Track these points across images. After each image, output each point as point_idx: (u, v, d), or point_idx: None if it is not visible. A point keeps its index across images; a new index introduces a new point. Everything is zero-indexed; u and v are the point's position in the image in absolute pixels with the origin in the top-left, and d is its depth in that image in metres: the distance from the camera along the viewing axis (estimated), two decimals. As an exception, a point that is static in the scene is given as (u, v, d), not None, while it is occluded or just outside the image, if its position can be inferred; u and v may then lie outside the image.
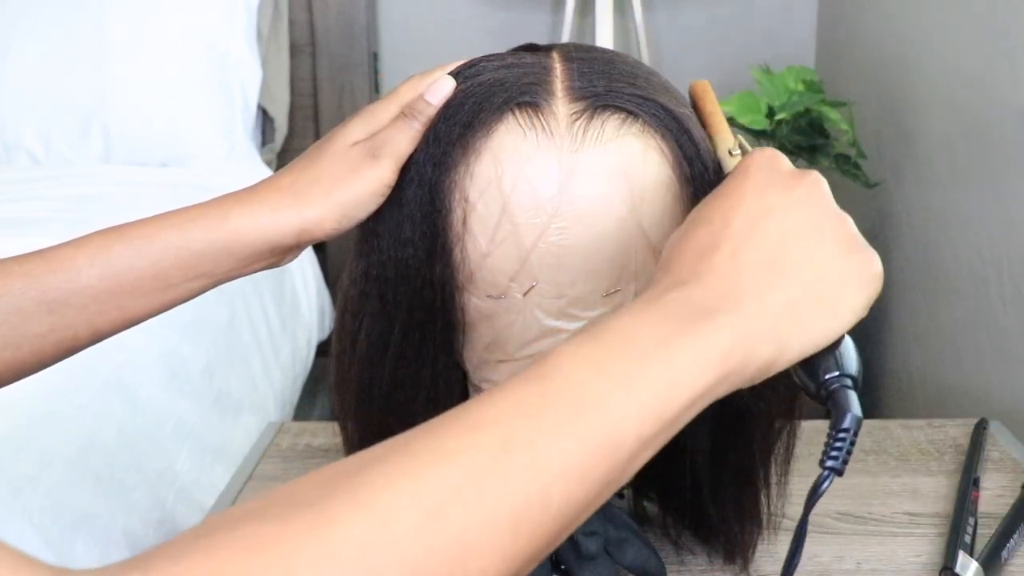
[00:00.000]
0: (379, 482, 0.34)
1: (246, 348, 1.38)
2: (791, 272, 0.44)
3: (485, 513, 0.35)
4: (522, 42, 0.62)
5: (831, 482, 0.43)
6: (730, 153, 0.56)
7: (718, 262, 0.44)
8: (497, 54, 0.60)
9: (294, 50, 1.96)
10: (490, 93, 0.55)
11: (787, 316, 0.43)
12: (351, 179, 0.55)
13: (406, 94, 0.59)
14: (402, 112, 0.57)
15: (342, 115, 1.98)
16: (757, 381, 0.43)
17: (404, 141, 0.56)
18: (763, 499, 0.66)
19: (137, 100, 1.74)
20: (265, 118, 1.94)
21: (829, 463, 0.43)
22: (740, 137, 0.56)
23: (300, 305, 1.67)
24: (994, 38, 1.20)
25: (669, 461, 0.67)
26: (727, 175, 0.51)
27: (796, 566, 0.46)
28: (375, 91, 2.01)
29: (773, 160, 0.48)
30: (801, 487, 0.67)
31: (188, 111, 1.76)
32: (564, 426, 0.37)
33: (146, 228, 0.55)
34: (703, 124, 0.58)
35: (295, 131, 1.96)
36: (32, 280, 0.52)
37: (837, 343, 0.45)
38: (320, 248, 1.91)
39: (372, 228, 0.58)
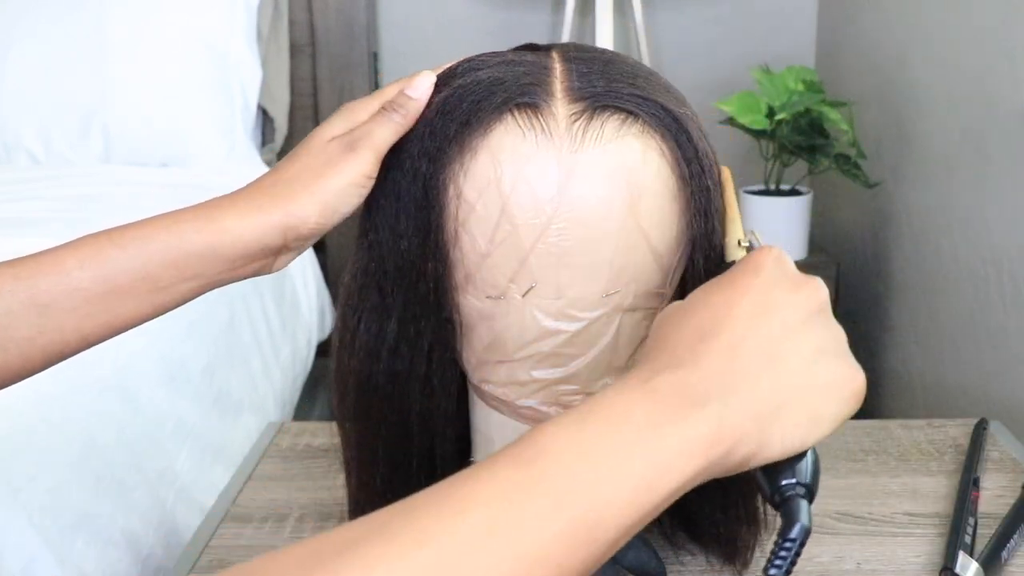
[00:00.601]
0: (357, 566, 0.34)
1: (246, 348, 1.38)
2: (785, 372, 0.44)
3: None
4: (522, 42, 0.62)
5: None
6: (739, 243, 0.56)
7: (716, 349, 0.44)
8: (497, 52, 0.60)
9: (294, 50, 1.96)
10: (489, 92, 0.55)
11: (774, 415, 0.43)
12: (329, 172, 0.56)
13: (389, 93, 0.59)
14: (383, 107, 0.58)
15: (342, 115, 1.98)
16: (732, 474, 0.43)
17: (383, 133, 0.57)
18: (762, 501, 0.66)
19: (137, 100, 1.74)
20: (265, 118, 1.94)
21: (772, 571, 0.44)
22: (754, 232, 0.57)
23: (300, 305, 1.67)
24: (994, 38, 1.20)
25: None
26: (731, 263, 0.51)
27: None
28: (375, 91, 2.00)
29: (781, 260, 0.49)
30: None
31: (188, 111, 1.76)
32: (547, 514, 0.37)
33: (136, 230, 0.55)
34: (722, 212, 0.59)
35: (295, 131, 1.96)
36: (21, 282, 0.52)
37: (803, 452, 0.45)
38: (320, 248, 1.91)
39: (371, 222, 0.58)
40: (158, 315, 0.56)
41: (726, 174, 0.60)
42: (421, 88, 0.58)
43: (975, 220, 1.26)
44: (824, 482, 0.82)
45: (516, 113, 0.55)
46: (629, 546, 0.65)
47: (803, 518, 0.44)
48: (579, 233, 0.55)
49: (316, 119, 1.99)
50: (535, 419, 0.61)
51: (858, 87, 1.72)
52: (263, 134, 1.95)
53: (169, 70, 1.76)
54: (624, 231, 0.55)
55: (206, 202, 0.56)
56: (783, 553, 0.44)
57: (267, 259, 0.57)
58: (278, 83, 1.91)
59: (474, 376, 0.62)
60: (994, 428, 0.91)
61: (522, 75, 0.56)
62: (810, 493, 0.45)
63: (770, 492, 0.46)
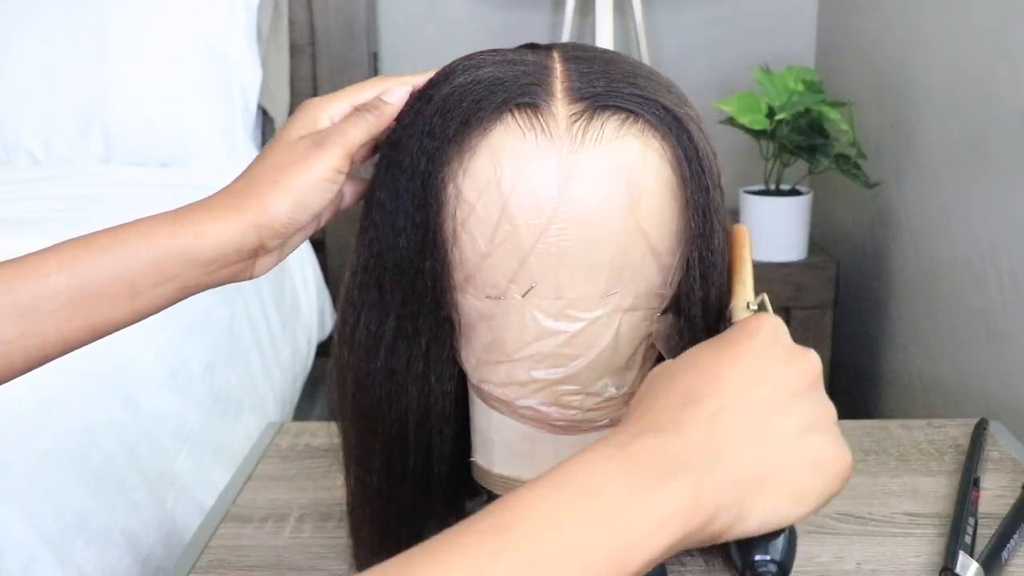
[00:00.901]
0: None
1: (246, 348, 1.38)
2: (771, 445, 0.43)
3: None
4: (522, 42, 0.62)
5: None
6: (747, 306, 0.56)
7: (700, 416, 0.43)
8: (498, 50, 0.60)
9: (294, 50, 1.96)
10: (489, 91, 0.55)
11: (755, 489, 0.42)
12: (299, 168, 0.56)
13: (362, 95, 0.59)
14: (356, 108, 0.58)
15: (342, 115, 1.98)
16: (707, 544, 0.43)
17: (354, 132, 0.57)
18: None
19: (137, 100, 1.74)
20: (265, 118, 1.94)
21: None
22: (766, 298, 0.56)
23: (300, 305, 1.67)
24: (994, 38, 1.20)
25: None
26: (731, 324, 0.51)
27: None
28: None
29: (778, 329, 0.48)
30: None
31: (188, 111, 1.76)
32: None
33: (112, 235, 0.55)
34: (730, 268, 0.59)
35: (295, 131, 1.96)
36: (2, 286, 0.52)
37: (781, 529, 0.44)
38: (320, 248, 1.91)
39: (371, 219, 0.58)
40: (138, 319, 0.57)
41: (744, 232, 0.60)
42: (396, 95, 0.58)
43: (975, 220, 1.26)
44: (824, 482, 0.82)
45: (516, 113, 0.55)
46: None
47: None
48: (579, 233, 0.55)
49: (316, 119, 1.99)
50: (534, 419, 0.61)
51: (858, 87, 1.72)
52: (263, 134, 1.95)
53: (169, 70, 1.76)
54: (624, 231, 0.55)
55: (182, 207, 0.56)
56: None
57: (244, 261, 0.57)
58: (278, 83, 1.91)
59: (474, 376, 0.62)
60: (994, 428, 0.91)
61: (522, 75, 0.56)
62: (782, 571, 0.45)
63: (742, 567, 0.45)
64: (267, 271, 0.60)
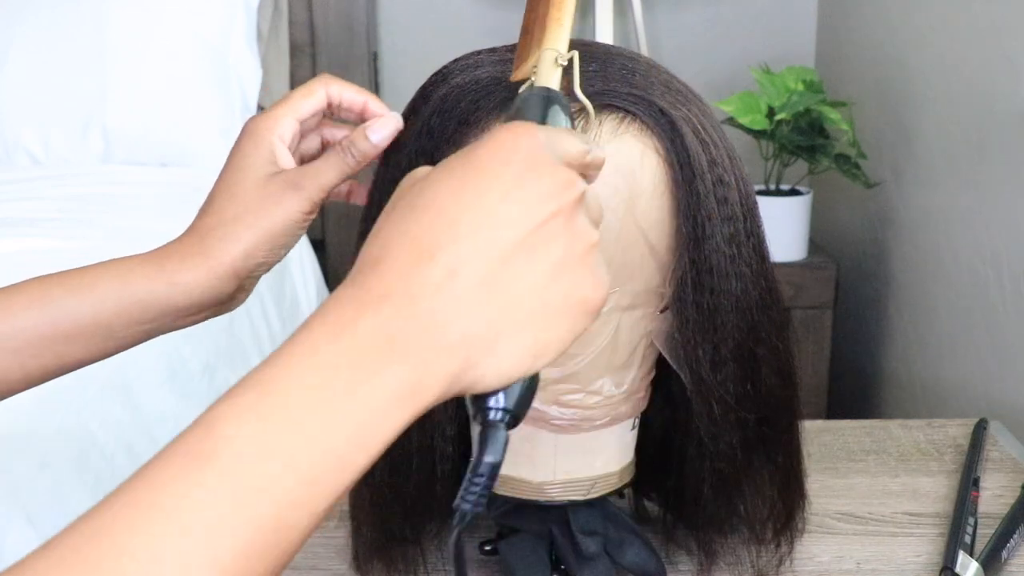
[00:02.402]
0: None
1: (246, 348, 1.38)
2: (512, 297, 0.39)
3: None
4: (522, 42, 0.62)
5: (466, 521, 0.42)
6: (556, 61, 0.47)
7: (435, 277, 0.38)
8: (496, 49, 0.60)
9: (294, 50, 1.96)
10: (487, 92, 0.55)
11: (489, 349, 0.39)
12: (273, 212, 0.55)
13: (299, 102, 0.57)
14: (339, 144, 0.57)
15: (342, 115, 1.98)
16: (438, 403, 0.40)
17: (330, 173, 0.56)
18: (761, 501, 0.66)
19: (137, 100, 1.74)
20: (265, 118, 1.94)
21: (464, 506, 0.41)
22: (576, 57, 0.48)
23: (300, 305, 1.67)
24: (994, 38, 1.20)
25: (672, 461, 0.67)
26: (536, 72, 0.45)
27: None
28: (375, 91, 2.01)
29: (533, 148, 0.41)
30: (812, 488, 0.68)
31: (188, 111, 1.76)
32: (221, 526, 0.34)
33: (86, 275, 0.55)
34: (548, 5, 0.49)
35: (295, 131, 1.96)
36: None
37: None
38: (320, 248, 1.91)
39: (371, 218, 0.58)
40: (107, 357, 0.56)
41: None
42: (383, 133, 0.56)
43: (975, 220, 1.26)
44: (824, 482, 0.82)
45: (514, 113, 0.55)
46: (629, 546, 0.65)
47: (495, 453, 0.41)
48: (578, 232, 0.55)
49: (316, 119, 1.99)
50: (534, 419, 0.61)
51: (858, 87, 1.72)
52: (263, 134, 1.95)
53: (169, 70, 1.76)
54: (622, 231, 0.55)
55: (156, 250, 0.56)
56: (473, 488, 0.41)
57: (222, 303, 0.57)
58: (278, 83, 1.91)
59: (474, 376, 0.62)
60: (994, 428, 0.91)
61: None
62: (514, 418, 0.42)
63: (473, 411, 0.42)
64: (242, 303, 0.59)
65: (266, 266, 0.56)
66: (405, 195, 0.42)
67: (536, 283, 0.40)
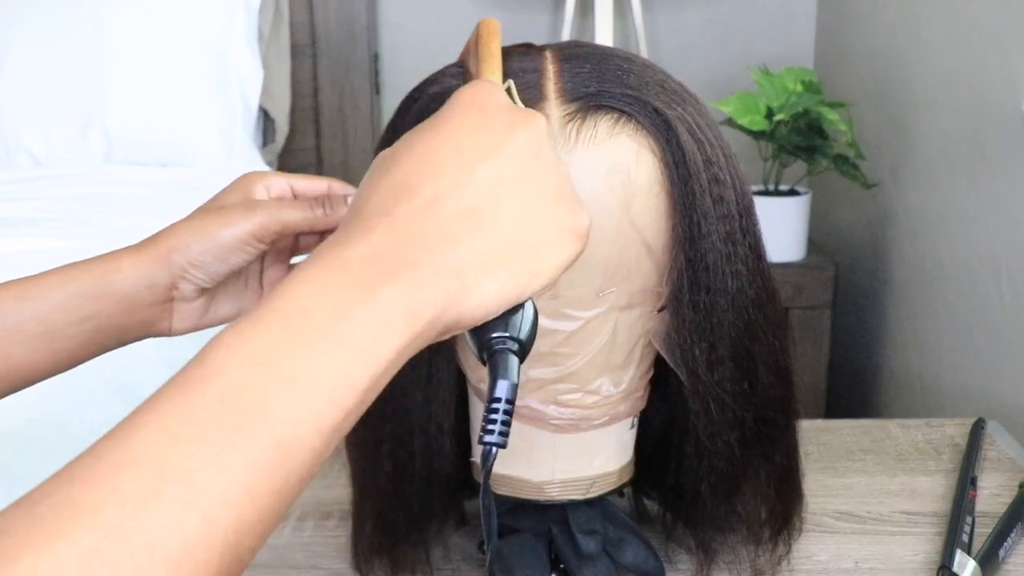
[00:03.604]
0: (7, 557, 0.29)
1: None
2: (496, 225, 0.40)
3: (135, 569, 0.30)
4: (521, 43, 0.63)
5: (495, 455, 0.41)
6: None
7: (416, 207, 0.40)
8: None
9: (295, 51, 1.96)
10: None
11: (479, 275, 0.40)
12: (220, 219, 0.56)
13: (300, 178, 0.58)
14: (316, 198, 0.57)
15: (343, 116, 1.98)
16: (445, 337, 0.40)
17: (291, 212, 0.56)
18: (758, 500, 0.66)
19: (137, 100, 1.75)
20: (266, 119, 1.94)
21: (487, 438, 0.41)
22: (513, 86, 0.52)
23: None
24: (993, 39, 1.20)
25: (670, 460, 0.67)
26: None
27: (493, 533, 0.45)
28: (375, 92, 2.01)
29: (493, 95, 0.44)
30: (810, 487, 0.68)
31: (188, 111, 1.76)
32: (225, 445, 0.33)
33: (32, 278, 0.55)
34: (478, 58, 0.53)
35: (296, 132, 1.97)
36: None
37: (518, 306, 0.42)
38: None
39: None
40: (57, 367, 0.56)
41: (491, 25, 0.54)
42: None
43: (973, 221, 1.26)
44: (822, 481, 0.82)
45: (511, 114, 0.55)
46: (628, 546, 0.66)
47: (510, 374, 0.41)
48: (575, 232, 0.55)
49: (317, 119, 1.99)
50: (533, 418, 0.61)
51: (857, 88, 1.72)
52: (264, 135, 1.95)
53: (169, 70, 1.76)
54: (619, 231, 0.55)
55: (108, 252, 0.56)
56: (492, 416, 0.41)
57: (160, 304, 0.57)
58: (279, 84, 1.92)
59: (473, 376, 0.63)
60: (991, 428, 0.91)
61: (517, 77, 0.56)
62: (522, 348, 0.42)
63: (478, 348, 0.42)
64: (186, 329, 0.58)
65: (202, 271, 0.56)
66: (378, 165, 0.43)
67: (519, 212, 0.41)
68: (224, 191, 0.58)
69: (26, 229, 1.27)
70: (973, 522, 0.73)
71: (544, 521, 0.65)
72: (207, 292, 0.58)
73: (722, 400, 0.60)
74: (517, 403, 0.60)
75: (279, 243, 0.59)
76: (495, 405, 0.41)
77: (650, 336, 0.60)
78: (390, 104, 2.03)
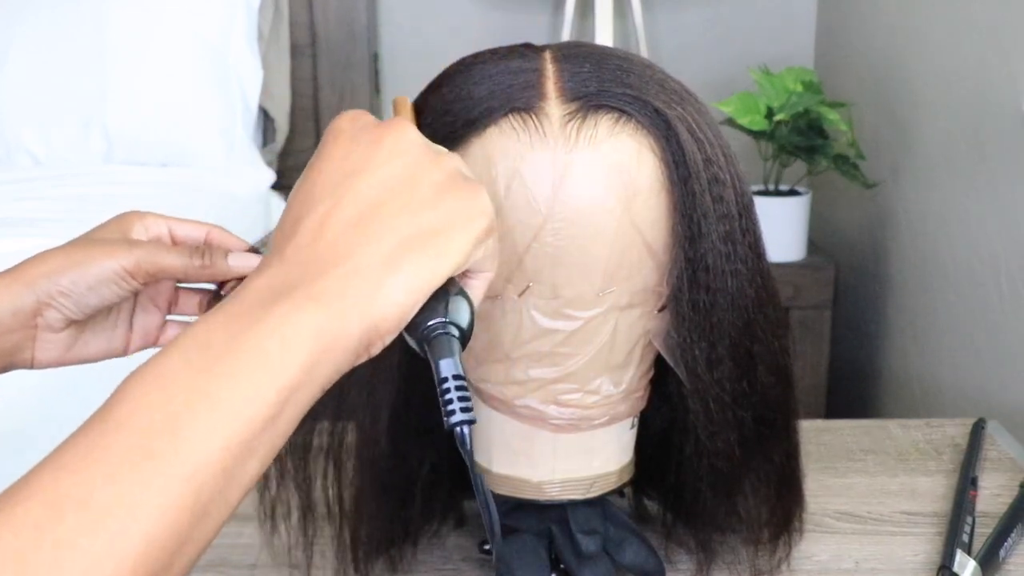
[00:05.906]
0: None
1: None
2: (384, 226, 0.42)
3: None
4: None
5: (470, 432, 0.42)
6: None
7: (304, 237, 0.42)
8: (495, 49, 0.60)
9: (295, 51, 1.96)
10: (486, 93, 0.55)
11: (383, 269, 0.41)
12: (90, 250, 0.54)
13: (181, 222, 0.57)
14: (196, 248, 0.55)
15: (342, 115, 1.98)
16: (375, 348, 0.41)
17: (169, 257, 0.54)
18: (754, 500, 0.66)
19: (137, 100, 1.75)
20: (266, 119, 1.94)
21: (452, 420, 0.42)
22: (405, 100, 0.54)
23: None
24: (993, 39, 1.20)
25: (670, 460, 0.67)
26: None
27: (494, 522, 0.45)
28: (375, 92, 2.01)
29: (356, 118, 0.47)
30: (811, 487, 0.68)
31: (188, 111, 1.76)
32: (122, 464, 0.34)
33: None
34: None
35: (296, 132, 1.97)
36: None
37: (444, 295, 0.43)
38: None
39: None
40: None
41: (402, 104, 0.56)
42: (241, 264, 0.55)
43: (973, 221, 1.26)
44: (822, 481, 0.82)
45: (510, 115, 0.55)
46: (628, 545, 0.66)
47: (448, 352, 0.42)
48: (574, 232, 0.55)
49: (317, 120, 1.99)
50: (533, 418, 0.61)
51: (857, 88, 1.72)
52: (264, 135, 1.95)
53: (169, 70, 1.76)
54: (619, 230, 0.55)
55: None
56: (447, 398, 0.42)
57: (24, 330, 0.55)
58: (279, 84, 1.92)
59: (473, 375, 0.63)
60: (992, 428, 0.91)
61: (515, 78, 0.56)
62: (462, 333, 0.43)
63: (417, 342, 0.43)
64: (49, 361, 0.57)
65: (72, 301, 0.54)
66: (290, 200, 0.46)
67: (405, 208, 0.43)
68: (101, 226, 0.57)
69: (26, 229, 1.27)
70: (973, 522, 0.73)
71: (544, 521, 0.65)
72: (75, 325, 0.56)
73: (722, 400, 0.60)
74: (519, 403, 0.61)
75: (153, 286, 0.58)
76: (445, 386, 0.42)
77: (650, 336, 0.60)
78: (390, 104, 2.03)
